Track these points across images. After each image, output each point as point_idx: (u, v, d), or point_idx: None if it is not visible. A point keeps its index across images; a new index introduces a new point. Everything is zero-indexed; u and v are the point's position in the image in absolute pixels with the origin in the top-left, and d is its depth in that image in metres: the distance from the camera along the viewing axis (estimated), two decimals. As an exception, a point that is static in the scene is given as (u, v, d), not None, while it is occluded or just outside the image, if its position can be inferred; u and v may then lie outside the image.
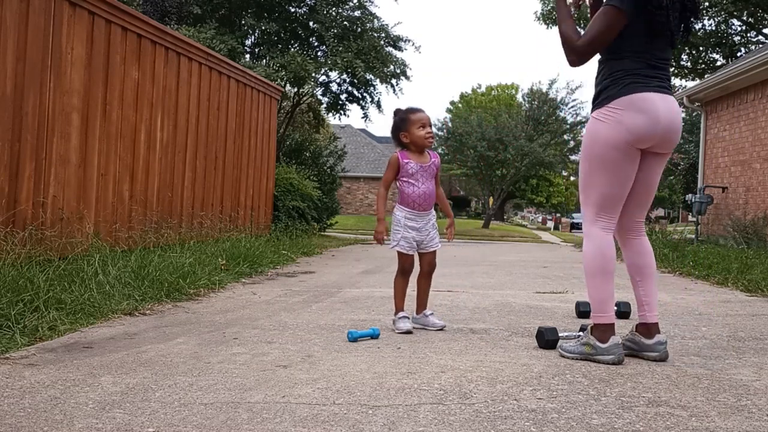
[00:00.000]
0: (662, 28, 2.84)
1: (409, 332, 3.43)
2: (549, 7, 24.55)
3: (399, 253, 3.57)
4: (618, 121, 2.82)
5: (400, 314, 3.53)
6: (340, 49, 13.91)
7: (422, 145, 3.55)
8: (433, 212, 3.69)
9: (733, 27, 22.48)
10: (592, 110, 2.94)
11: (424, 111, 3.60)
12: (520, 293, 5.24)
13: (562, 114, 33.54)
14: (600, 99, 2.91)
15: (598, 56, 2.98)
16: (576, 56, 2.94)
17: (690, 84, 20.06)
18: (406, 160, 3.54)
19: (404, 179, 3.54)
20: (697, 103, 13.16)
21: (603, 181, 2.89)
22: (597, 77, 2.98)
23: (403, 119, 3.56)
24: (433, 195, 3.60)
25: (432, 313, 3.64)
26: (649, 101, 2.81)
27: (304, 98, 17.05)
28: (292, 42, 15.13)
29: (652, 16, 2.81)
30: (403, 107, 3.66)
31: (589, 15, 3.19)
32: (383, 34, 14.89)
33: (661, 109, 2.83)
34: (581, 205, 3.01)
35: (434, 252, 3.65)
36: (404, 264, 3.58)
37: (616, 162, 2.85)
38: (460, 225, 35.44)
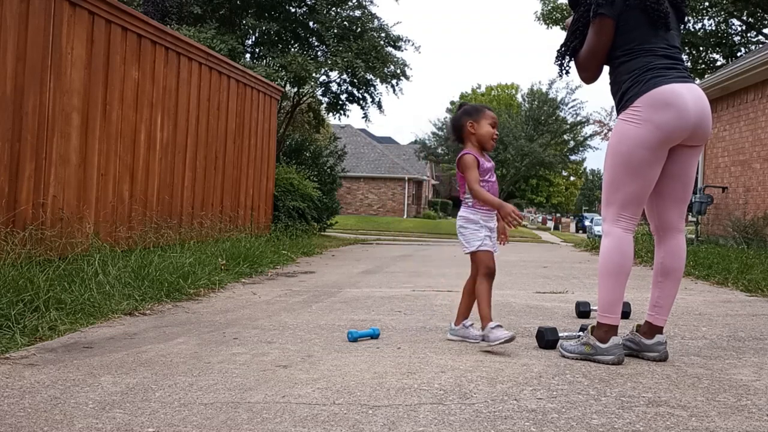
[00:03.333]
0: (657, 14, 2.82)
1: (512, 339, 3.02)
2: (549, 8, 24.55)
3: (483, 253, 3.21)
4: (646, 119, 2.74)
5: (493, 324, 3.10)
6: (340, 49, 13.91)
7: (485, 143, 3.28)
8: None
9: (733, 27, 22.49)
10: (618, 113, 2.89)
11: None
12: (520, 293, 5.24)
13: (562, 114, 33.61)
14: (624, 101, 2.83)
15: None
16: (583, 72, 2.96)
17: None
18: (480, 158, 3.26)
19: (480, 179, 3.25)
20: (697, 103, 13.14)
21: (628, 182, 2.81)
22: (613, 80, 2.92)
23: (477, 109, 3.33)
24: None
25: (472, 324, 3.30)
26: (674, 94, 2.74)
27: (304, 98, 17.04)
28: (293, 42, 15.12)
29: (643, 4, 2.81)
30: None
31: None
32: (383, 34, 14.90)
33: (689, 99, 2.75)
34: (602, 204, 2.94)
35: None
36: (490, 264, 3.22)
37: (643, 162, 2.77)
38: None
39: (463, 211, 3.31)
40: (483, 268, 3.21)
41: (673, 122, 2.73)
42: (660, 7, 2.82)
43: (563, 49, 3.07)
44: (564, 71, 3.10)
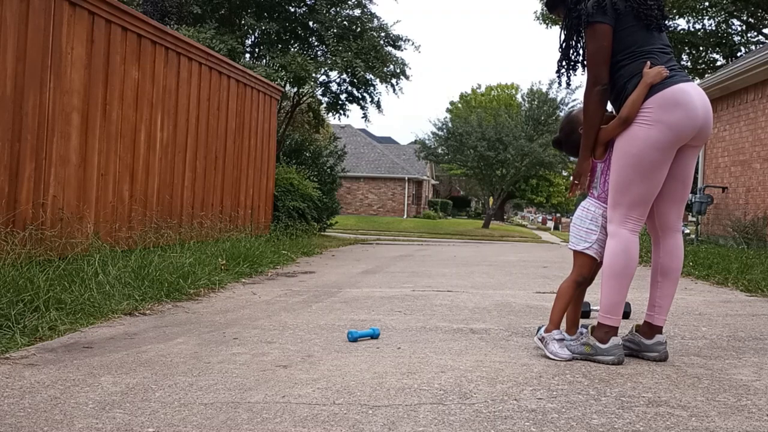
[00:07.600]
0: (650, 19, 2.81)
1: (569, 360, 2.88)
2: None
3: (585, 257, 2.99)
4: (656, 120, 2.72)
5: (557, 334, 2.95)
6: (340, 48, 13.91)
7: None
8: None
9: (733, 27, 22.50)
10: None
11: None
12: (520, 293, 5.24)
13: (562, 114, 33.58)
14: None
15: None
16: (593, 82, 2.85)
17: (690, 84, 20.05)
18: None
19: (607, 169, 2.95)
20: (697, 103, 13.16)
21: (638, 183, 2.79)
22: (612, 85, 2.85)
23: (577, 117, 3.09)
24: None
25: (586, 332, 3.01)
26: (684, 93, 2.73)
27: (304, 98, 17.04)
28: (292, 42, 15.13)
29: (637, 9, 2.80)
30: None
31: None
32: (383, 34, 14.90)
33: (696, 99, 2.76)
34: (609, 205, 2.90)
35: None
36: (585, 272, 2.99)
37: (654, 163, 2.75)
38: (459, 225, 35.50)
39: (586, 202, 3.06)
40: (576, 273, 3.00)
41: (683, 122, 2.73)
42: (651, 11, 2.83)
43: (564, 63, 3.09)
44: (566, 82, 3.15)
